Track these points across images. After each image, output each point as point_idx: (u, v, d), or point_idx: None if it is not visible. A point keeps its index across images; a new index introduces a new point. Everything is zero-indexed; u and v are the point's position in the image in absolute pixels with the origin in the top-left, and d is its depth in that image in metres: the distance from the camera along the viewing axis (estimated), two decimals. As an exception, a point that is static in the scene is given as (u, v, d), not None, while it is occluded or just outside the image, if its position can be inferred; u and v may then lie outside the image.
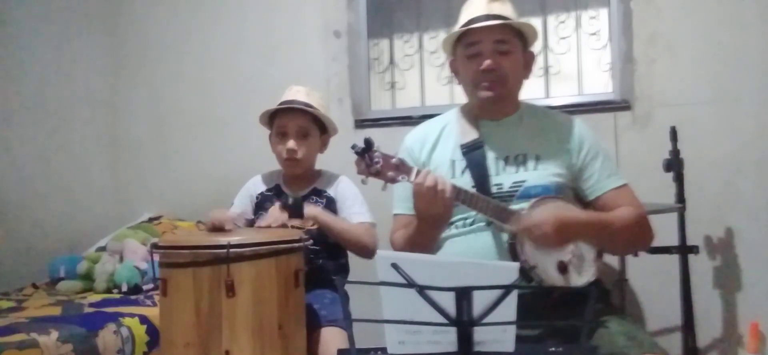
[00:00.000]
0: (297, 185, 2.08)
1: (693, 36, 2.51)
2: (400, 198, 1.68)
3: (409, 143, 1.71)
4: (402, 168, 1.40)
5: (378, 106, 3.07)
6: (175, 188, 3.22)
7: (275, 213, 1.86)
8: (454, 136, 1.66)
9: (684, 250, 2.26)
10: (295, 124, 2.04)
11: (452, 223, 1.58)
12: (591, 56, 2.80)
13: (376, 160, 1.37)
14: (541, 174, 1.56)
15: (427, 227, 1.51)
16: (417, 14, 3.06)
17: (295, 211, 1.87)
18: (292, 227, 1.94)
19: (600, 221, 1.50)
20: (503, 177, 1.57)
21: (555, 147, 1.61)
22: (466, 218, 1.57)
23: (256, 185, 2.14)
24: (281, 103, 2.06)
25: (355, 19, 3.00)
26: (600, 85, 2.77)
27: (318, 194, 2.06)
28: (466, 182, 1.52)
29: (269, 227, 1.83)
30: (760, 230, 2.40)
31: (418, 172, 1.41)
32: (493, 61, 1.57)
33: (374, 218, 2.02)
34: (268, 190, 2.11)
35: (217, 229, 1.77)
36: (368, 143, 1.37)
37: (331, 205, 2.03)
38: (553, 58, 2.85)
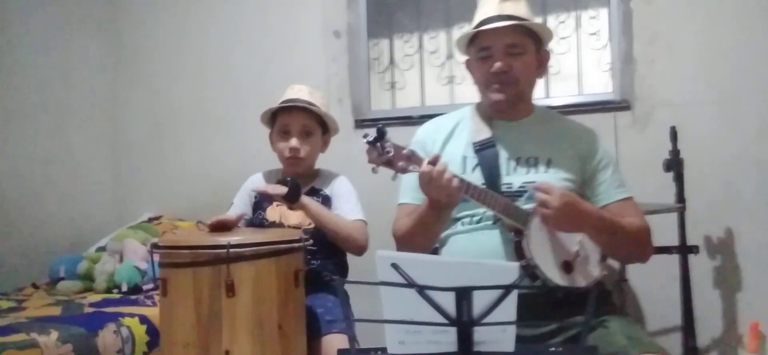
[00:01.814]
0: None
1: (693, 36, 2.51)
2: (407, 187, 1.68)
3: (422, 136, 1.71)
4: (413, 159, 1.40)
5: (378, 106, 3.07)
6: (175, 188, 3.22)
7: (269, 185, 1.88)
8: (467, 133, 1.66)
9: (684, 250, 2.25)
10: (299, 122, 2.03)
11: (458, 220, 1.59)
12: (591, 56, 2.80)
13: (388, 149, 1.37)
14: (551, 177, 1.56)
15: (434, 208, 1.50)
16: (417, 14, 3.06)
17: (292, 192, 1.86)
18: (289, 226, 1.94)
19: (606, 217, 1.51)
20: (513, 177, 1.57)
21: (567, 152, 1.61)
22: (472, 216, 1.57)
23: (255, 184, 2.13)
24: (284, 102, 2.05)
25: (355, 19, 3.00)
26: (600, 85, 2.77)
27: (315, 192, 2.06)
28: (476, 179, 1.52)
29: (264, 193, 1.85)
30: (760, 230, 2.39)
31: (429, 164, 1.40)
32: (504, 64, 1.57)
33: (366, 218, 2.02)
34: None
35: (218, 229, 1.77)
36: (381, 132, 1.38)
37: (326, 203, 2.02)
38: (553, 58, 2.83)
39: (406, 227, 1.60)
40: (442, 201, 1.44)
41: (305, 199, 1.90)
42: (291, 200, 1.85)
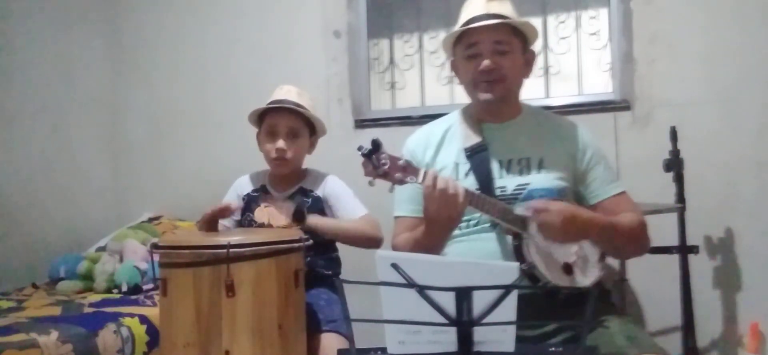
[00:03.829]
0: (283, 185, 2.08)
1: (693, 36, 2.51)
2: (403, 200, 1.66)
3: (412, 146, 1.70)
4: (409, 169, 1.39)
5: (378, 106, 3.07)
6: (174, 188, 3.22)
7: (274, 211, 1.88)
8: (458, 138, 1.65)
9: (684, 250, 2.25)
10: (286, 124, 2.02)
11: None
12: (591, 56, 2.80)
13: (383, 161, 1.36)
14: (544, 178, 1.56)
15: (436, 231, 1.48)
16: (417, 14, 3.06)
17: (296, 214, 1.88)
18: (278, 228, 1.94)
19: (605, 221, 1.50)
20: (507, 180, 1.57)
21: (558, 151, 1.61)
22: (469, 220, 1.56)
23: (243, 186, 2.13)
24: (272, 102, 2.04)
25: (355, 19, 3.00)
26: (600, 85, 2.77)
27: (304, 193, 2.05)
28: (470, 184, 1.52)
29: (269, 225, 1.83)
30: (760, 230, 2.40)
31: (426, 174, 1.39)
32: (492, 62, 1.57)
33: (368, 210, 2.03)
34: (254, 190, 2.10)
35: (212, 221, 1.77)
36: (375, 145, 1.36)
37: (317, 204, 2.01)
38: (553, 58, 2.85)
39: (406, 245, 1.59)
40: (451, 216, 1.42)
41: (313, 219, 1.91)
42: (299, 221, 1.88)
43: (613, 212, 1.56)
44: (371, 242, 1.94)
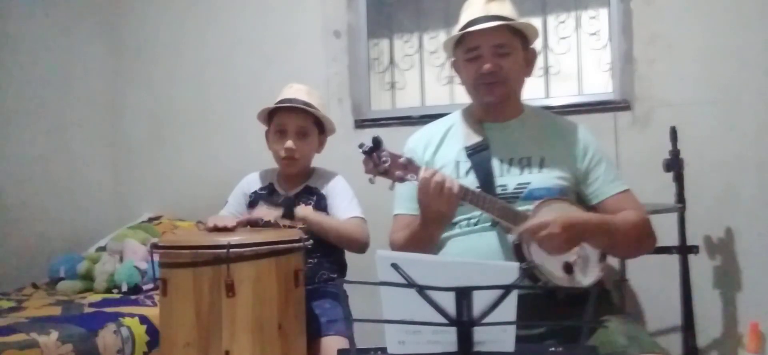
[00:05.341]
0: (290, 183, 2.08)
1: (693, 36, 2.51)
2: (402, 198, 1.67)
3: (412, 145, 1.71)
4: (410, 167, 1.40)
5: (378, 106, 3.07)
6: (174, 188, 3.22)
7: (263, 210, 1.88)
8: (459, 138, 1.66)
9: (684, 250, 2.25)
10: (295, 123, 2.02)
11: (456, 223, 1.58)
12: (591, 56, 2.80)
13: (384, 159, 1.37)
14: (545, 177, 1.56)
15: (429, 224, 1.50)
16: (417, 14, 3.06)
17: (285, 211, 1.87)
18: (284, 226, 1.94)
19: (606, 223, 1.50)
20: (507, 179, 1.57)
21: (559, 151, 1.61)
22: (470, 218, 1.57)
23: (250, 184, 2.13)
24: (282, 101, 2.04)
25: (355, 19, 3.00)
26: (600, 85, 2.77)
27: (310, 191, 2.05)
28: (470, 183, 1.52)
29: (260, 220, 1.83)
30: (760, 230, 2.40)
31: (426, 171, 1.40)
32: (493, 64, 1.57)
33: (364, 214, 2.01)
34: (261, 188, 2.10)
35: (218, 228, 1.77)
36: (376, 142, 1.37)
37: (321, 202, 2.01)
38: (553, 58, 2.85)
39: (402, 241, 1.61)
40: (441, 211, 1.43)
41: (304, 211, 1.91)
42: (289, 217, 1.87)
43: (615, 211, 1.56)
44: (354, 244, 1.94)
